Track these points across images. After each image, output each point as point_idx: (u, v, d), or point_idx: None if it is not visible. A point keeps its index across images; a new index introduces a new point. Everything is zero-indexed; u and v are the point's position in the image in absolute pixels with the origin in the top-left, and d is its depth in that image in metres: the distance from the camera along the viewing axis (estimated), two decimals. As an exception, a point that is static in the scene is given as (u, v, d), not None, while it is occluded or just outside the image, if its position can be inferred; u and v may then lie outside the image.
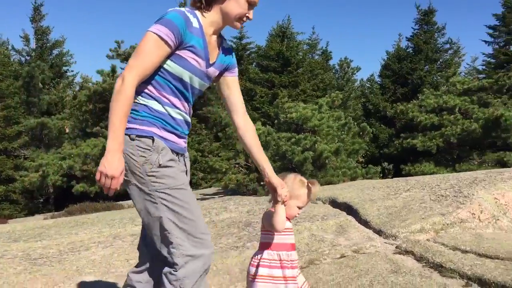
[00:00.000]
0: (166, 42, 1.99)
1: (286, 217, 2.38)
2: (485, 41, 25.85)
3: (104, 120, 17.12)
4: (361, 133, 11.17)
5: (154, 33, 1.98)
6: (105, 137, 15.86)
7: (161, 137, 2.05)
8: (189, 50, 2.06)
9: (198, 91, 2.21)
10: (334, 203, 6.06)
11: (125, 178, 1.99)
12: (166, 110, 2.07)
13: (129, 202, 10.26)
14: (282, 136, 9.26)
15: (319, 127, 9.49)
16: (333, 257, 3.96)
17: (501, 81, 18.23)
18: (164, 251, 2.03)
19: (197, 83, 2.16)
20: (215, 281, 3.39)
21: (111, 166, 1.88)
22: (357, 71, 34.97)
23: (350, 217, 5.14)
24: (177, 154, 2.15)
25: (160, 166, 2.00)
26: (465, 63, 47.48)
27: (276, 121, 10.86)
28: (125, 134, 1.98)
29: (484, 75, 24.19)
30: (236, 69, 2.37)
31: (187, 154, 2.28)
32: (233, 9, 2.12)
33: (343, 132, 10.26)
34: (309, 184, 2.40)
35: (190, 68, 2.08)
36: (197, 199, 9.18)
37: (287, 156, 8.68)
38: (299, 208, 2.44)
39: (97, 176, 1.89)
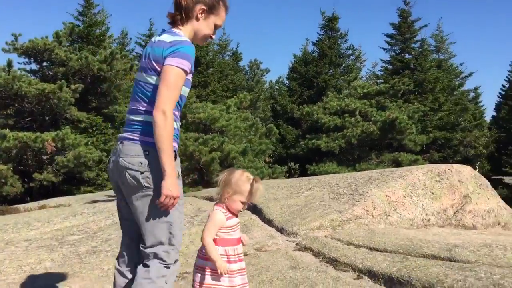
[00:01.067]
0: (187, 74, 2.29)
1: (232, 212, 2.52)
2: (383, 48, 27.59)
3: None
4: (268, 133, 11.45)
5: (182, 68, 2.24)
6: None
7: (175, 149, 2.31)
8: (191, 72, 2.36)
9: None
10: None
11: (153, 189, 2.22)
12: (176, 125, 2.33)
13: (26, 205, 9.64)
14: (189, 136, 9.24)
15: (227, 128, 9.60)
16: (236, 256, 4.03)
17: (396, 86, 19.61)
18: (160, 250, 2.25)
19: (186, 93, 2.42)
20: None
21: (175, 189, 2.15)
22: (266, 73, 35.81)
23: (254, 216, 5.27)
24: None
25: (178, 177, 2.24)
26: (366, 68, 50.43)
27: (184, 121, 10.81)
28: None
29: (382, 80, 25.85)
30: None
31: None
32: (204, 29, 2.41)
33: (250, 133, 10.46)
34: (254, 181, 2.49)
35: (189, 84, 2.38)
36: (102, 201, 8.85)
37: (195, 157, 8.69)
38: (243, 203, 2.51)
39: (162, 199, 2.14)
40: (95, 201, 9.68)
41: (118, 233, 4.66)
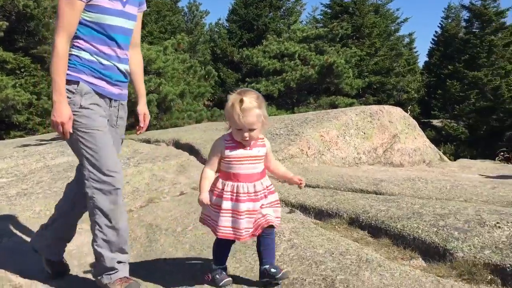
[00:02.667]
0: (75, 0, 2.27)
1: (238, 142, 2.25)
2: (324, -8, 27.52)
3: None
4: (206, 76, 11.31)
5: None
6: None
7: (88, 82, 2.35)
8: None
9: (124, 32, 2.44)
10: (177, 145, 6.14)
11: None
12: (95, 58, 2.36)
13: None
14: (125, 78, 8.94)
15: (164, 69, 9.37)
16: (172, 195, 4.07)
17: (335, 30, 19.76)
18: (82, 181, 2.36)
19: (119, 23, 2.40)
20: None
21: (59, 114, 2.25)
22: (206, 15, 34.78)
23: (192, 157, 5.28)
24: (110, 100, 2.44)
25: (80, 107, 2.31)
26: (306, 12, 50.16)
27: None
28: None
29: (321, 25, 25.92)
30: (145, 5, 2.68)
31: (124, 102, 2.56)
32: None
33: (188, 75, 10.28)
34: (234, 105, 2.17)
35: (107, 11, 2.33)
36: (33, 145, 8.53)
37: (131, 99, 8.44)
38: (239, 130, 2.19)
39: (52, 126, 2.30)
40: (25, 145, 9.31)
41: (50, 175, 4.55)
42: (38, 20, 17.23)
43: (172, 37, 13.03)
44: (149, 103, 8.52)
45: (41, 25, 17.42)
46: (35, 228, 3.16)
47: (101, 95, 2.39)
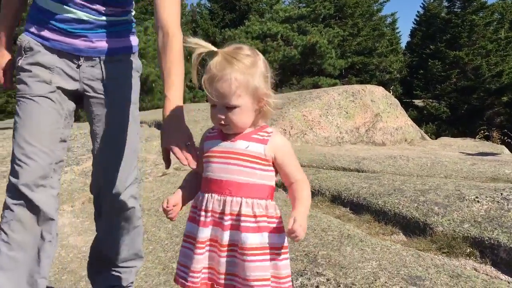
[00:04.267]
0: None
1: (225, 136, 1.40)
2: (306, -29, 27.25)
3: None
4: (189, 57, 11.16)
5: None
6: None
7: (34, 34, 1.79)
8: None
9: None
10: (159, 126, 6.10)
11: None
12: (48, 5, 1.76)
13: None
14: (105, 59, 8.82)
15: (144, 51, 9.23)
16: (155, 176, 4.05)
17: (318, 10, 19.66)
18: None
19: None
20: None
21: None
22: (187, -5, 34.27)
23: (174, 138, 5.26)
24: (72, 57, 1.78)
25: (17, 68, 1.80)
26: (289, -8, 49.71)
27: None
28: None
29: (304, 4, 25.75)
30: None
31: (103, 57, 1.81)
32: None
33: (170, 56, 10.16)
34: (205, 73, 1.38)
35: None
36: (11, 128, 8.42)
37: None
38: (213, 106, 1.36)
39: None
40: (3, 128, 9.15)
41: (29, 157, 4.47)
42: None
43: (152, 18, 12.81)
44: (130, 84, 8.42)
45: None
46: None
47: (58, 52, 1.78)
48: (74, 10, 1.74)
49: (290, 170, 1.38)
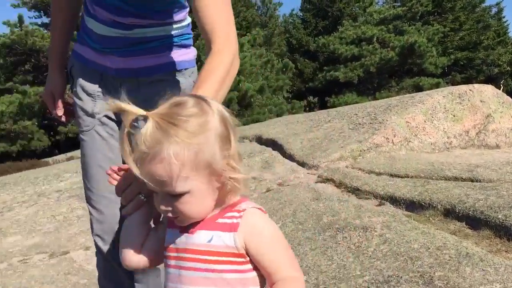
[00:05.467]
0: None
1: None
2: (399, -31, 26.34)
3: (17, 75, 16.09)
4: (284, 69, 11.30)
5: None
6: (20, 93, 14.99)
7: (78, 55, 1.65)
8: None
9: None
10: (260, 140, 6.22)
11: None
12: (87, 21, 1.60)
13: (55, 158, 9.93)
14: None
15: (242, 67, 9.49)
16: (259, 192, 4.12)
17: (414, 8, 18.88)
18: None
19: None
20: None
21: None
22: (279, 7, 34.76)
23: (275, 152, 5.32)
24: (110, 78, 1.57)
25: (71, 90, 1.67)
26: (382, -8, 48.39)
27: (198, 63, 10.71)
28: None
29: (399, 4, 24.90)
30: None
31: (141, 78, 1.57)
32: None
33: (266, 70, 10.35)
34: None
35: None
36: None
37: (212, 98, 8.67)
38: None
39: None
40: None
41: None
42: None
43: (247, 33, 13.17)
44: (229, 100, 8.70)
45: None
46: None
47: (98, 74, 1.58)
48: (103, 26, 1.53)
49: (271, 264, 0.96)
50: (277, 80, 10.66)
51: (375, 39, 17.60)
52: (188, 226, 0.99)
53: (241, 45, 10.45)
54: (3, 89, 15.99)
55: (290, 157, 5.04)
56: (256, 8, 33.35)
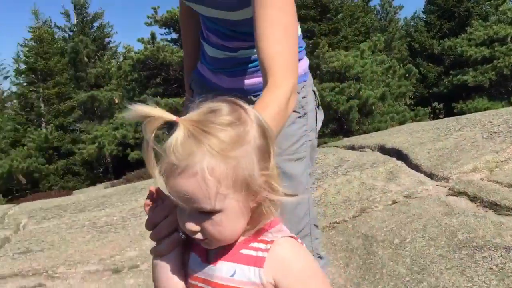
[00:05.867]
0: None
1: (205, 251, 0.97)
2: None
3: (150, 87, 17.50)
4: (407, 74, 10.87)
5: None
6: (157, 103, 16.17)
7: (198, 72, 1.74)
8: None
9: (210, 20, 1.57)
10: (383, 150, 6.02)
11: None
12: (202, 44, 1.70)
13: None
14: (325, 86, 9.17)
15: (362, 74, 9.32)
16: (384, 204, 3.99)
17: (557, 3, 17.02)
18: None
19: (200, 10, 1.60)
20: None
21: None
22: (399, 10, 33.55)
23: (400, 163, 5.11)
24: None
25: None
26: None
27: (318, 71, 10.72)
28: None
29: (538, -1, 22.59)
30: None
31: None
32: None
33: (388, 76, 10.03)
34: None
35: None
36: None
37: (332, 107, 8.63)
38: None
39: None
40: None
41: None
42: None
43: (367, 39, 12.90)
44: (350, 109, 8.57)
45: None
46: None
47: (209, 88, 1.65)
48: (213, 49, 1.59)
49: None
50: (399, 86, 10.28)
51: (509, 39, 16.16)
52: (210, 255, 0.90)
53: (361, 52, 10.27)
54: (138, 101, 17.49)
55: (416, 168, 4.80)
56: (375, 13, 32.57)
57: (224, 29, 1.52)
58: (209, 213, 0.82)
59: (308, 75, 1.66)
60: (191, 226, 0.84)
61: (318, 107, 1.68)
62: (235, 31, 1.50)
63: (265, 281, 0.83)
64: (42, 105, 23.90)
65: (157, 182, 0.84)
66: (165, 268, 0.91)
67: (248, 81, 1.58)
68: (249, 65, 1.57)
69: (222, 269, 0.87)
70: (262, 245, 0.86)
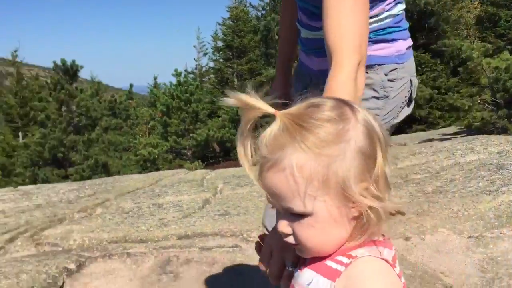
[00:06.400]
0: None
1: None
2: None
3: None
4: None
5: None
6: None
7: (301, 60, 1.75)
8: None
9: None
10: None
11: None
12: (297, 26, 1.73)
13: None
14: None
15: None
16: None
17: None
18: None
19: None
20: (467, 226, 3.25)
21: None
22: None
23: None
24: (310, 78, 1.60)
25: None
26: None
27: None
28: None
29: None
30: None
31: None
32: None
33: None
34: None
35: None
36: (436, 139, 8.79)
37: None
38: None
39: None
40: (429, 140, 9.68)
41: (462, 173, 4.53)
42: (438, 15, 17.69)
43: None
44: None
45: (440, 20, 17.82)
46: (456, 227, 3.21)
47: (304, 73, 1.66)
48: (304, 29, 1.57)
49: None
50: None
51: None
52: (302, 261, 0.86)
53: None
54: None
55: None
56: None
57: (311, 6, 1.47)
58: (300, 216, 0.78)
59: (405, 59, 1.51)
60: (283, 227, 0.81)
61: (409, 101, 1.54)
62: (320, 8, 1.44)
63: None
64: (235, 80, 25.87)
65: (248, 173, 0.81)
66: None
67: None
68: None
69: (303, 276, 0.84)
70: (345, 259, 0.79)
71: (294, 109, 0.79)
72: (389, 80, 1.45)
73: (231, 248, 3.27)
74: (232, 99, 0.80)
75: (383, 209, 0.77)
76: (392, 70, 1.46)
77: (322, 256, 0.82)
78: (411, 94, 1.54)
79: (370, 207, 0.77)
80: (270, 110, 0.79)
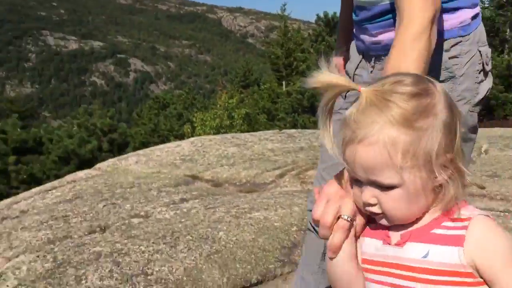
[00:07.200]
0: None
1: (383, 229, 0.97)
2: None
3: None
4: None
5: None
6: None
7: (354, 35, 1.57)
8: None
9: None
10: None
11: None
12: None
13: None
14: None
15: None
16: None
17: None
18: None
19: None
20: None
21: None
22: None
23: None
24: (368, 58, 1.41)
25: None
26: None
27: None
28: None
29: None
30: None
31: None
32: None
33: None
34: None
35: None
36: None
37: None
38: (357, 181, 0.90)
39: None
40: None
41: None
42: None
43: None
44: None
45: None
46: None
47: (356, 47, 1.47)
48: None
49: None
50: None
51: None
52: (394, 237, 0.85)
53: None
54: None
55: None
56: None
57: None
58: (387, 188, 0.79)
59: (471, 31, 1.25)
60: (368, 197, 0.82)
61: (485, 73, 1.29)
62: None
63: (466, 262, 0.78)
64: (508, 30, 22.70)
65: (330, 150, 0.83)
66: (338, 256, 0.88)
67: (386, 35, 1.29)
68: (385, 16, 1.27)
69: (411, 250, 0.82)
70: (458, 223, 0.80)
71: (377, 84, 0.81)
72: (450, 57, 1.24)
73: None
74: (315, 79, 0.81)
75: (463, 181, 0.80)
76: (454, 45, 1.25)
77: (405, 223, 0.83)
78: (483, 66, 1.29)
79: (450, 178, 0.79)
80: (354, 86, 0.81)
